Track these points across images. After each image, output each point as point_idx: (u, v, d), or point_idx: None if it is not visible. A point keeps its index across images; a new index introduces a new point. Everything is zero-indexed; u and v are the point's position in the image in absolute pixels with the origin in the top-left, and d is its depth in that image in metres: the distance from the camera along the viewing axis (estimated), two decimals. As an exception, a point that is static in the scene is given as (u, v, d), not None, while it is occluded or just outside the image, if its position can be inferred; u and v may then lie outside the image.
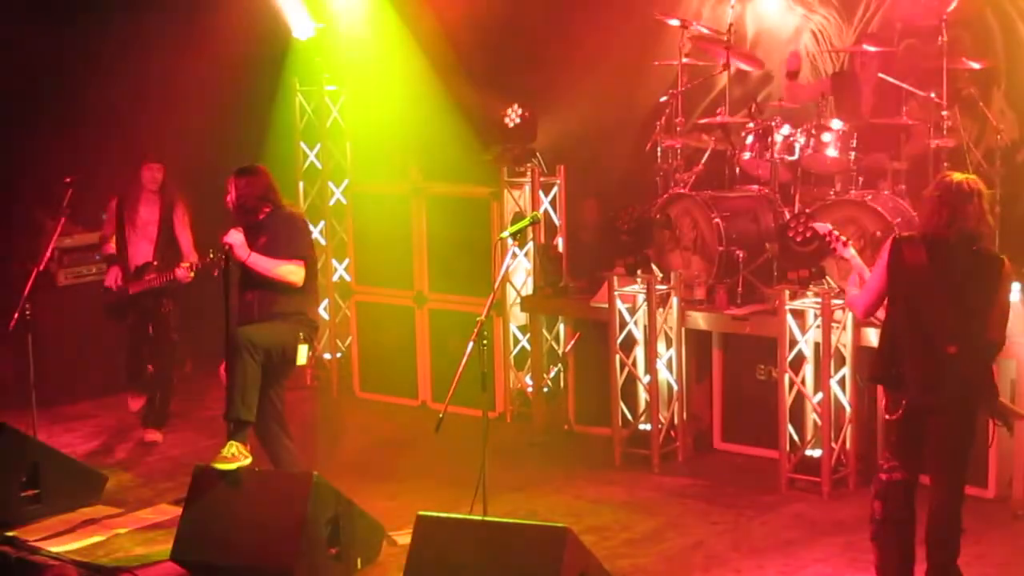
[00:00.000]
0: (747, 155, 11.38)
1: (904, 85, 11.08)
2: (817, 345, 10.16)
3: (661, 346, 10.94)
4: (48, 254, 11.24)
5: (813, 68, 12.49)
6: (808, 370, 10.28)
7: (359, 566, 8.95)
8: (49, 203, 11.92)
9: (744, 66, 12.11)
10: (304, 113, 13.67)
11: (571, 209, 12.31)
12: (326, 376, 13.45)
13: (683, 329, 10.99)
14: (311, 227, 12.84)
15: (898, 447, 8.14)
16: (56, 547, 9.54)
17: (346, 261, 13.38)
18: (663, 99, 11.82)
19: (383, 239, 12.85)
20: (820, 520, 9.62)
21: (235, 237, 9.38)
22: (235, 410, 9.20)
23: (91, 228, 13.24)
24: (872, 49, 11.40)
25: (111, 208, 11.82)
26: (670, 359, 11.00)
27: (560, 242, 12.17)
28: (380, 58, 13.51)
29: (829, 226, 8.61)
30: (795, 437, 10.31)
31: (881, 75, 11.33)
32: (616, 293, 10.98)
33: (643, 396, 11.09)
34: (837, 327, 10.06)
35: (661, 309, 10.88)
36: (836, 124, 11.07)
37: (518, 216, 11.84)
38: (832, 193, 11.05)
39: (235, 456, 8.94)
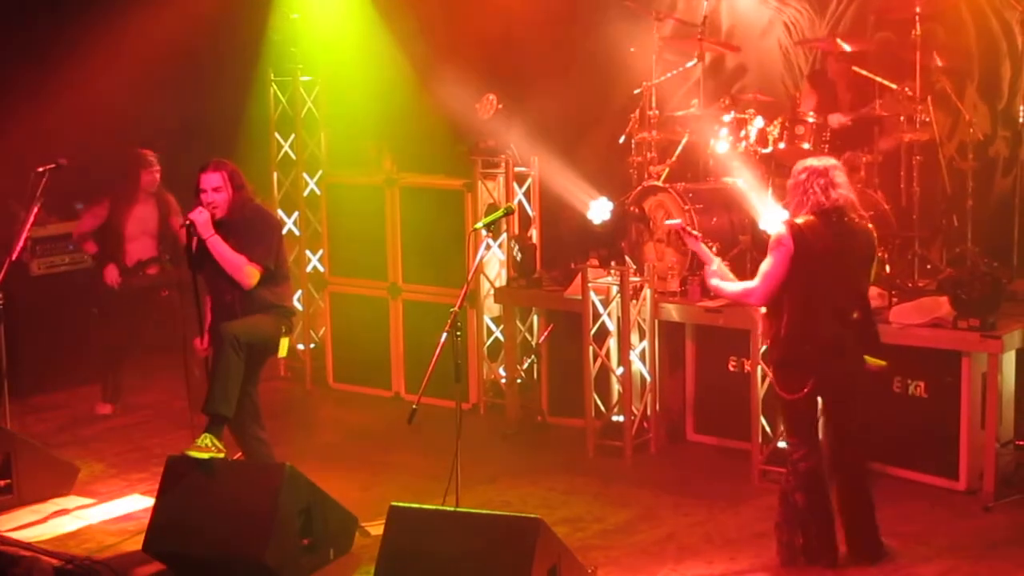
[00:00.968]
0: (721, 147, 11.40)
1: (877, 78, 11.12)
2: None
3: (634, 338, 10.96)
4: (21, 244, 11.18)
5: (786, 61, 12.51)
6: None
7: (332, 557, 8.95)
8: (22, 193, 11.87)
9: (721, 50, 12.18)
10: (278, 103, 13.63)
11: (545, 201, 12.32)
12: (300, 367, 13.44)
13: (656, 321, 11.01)
14: (284, 219, 12.96)
15: (808, 430, 8.60)
16: (28, 537, 9.53)
17: (320, 252, 13.37)
18: (637, 91, 11.83)
19: (357, 230, 12.85)
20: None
21: (201, 215, 9.36)
22: (214, 404, 9.19)
23: (65, 218, 13.23)
24: (846, 47, 11.41)
25: (98, 208, 11.82)
26: (643, 351, 11.02)
27: (534, 233, 12.18)
28: (354, 49, 13.48)
29: (679, 221, 8.94)
30: (767, 429, 10.33)
31: (855, 68, 11.35)
32: (590, 285, 10.99)
33: (616, 388, 11.11)
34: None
35: (634, 301, 10.90)
36: (810, 117, 11.10)
37: (492, 207, 11.85)
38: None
39: (209, 447, 8.93)
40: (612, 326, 11.04)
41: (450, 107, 12.78)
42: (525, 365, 12.07)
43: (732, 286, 8.87)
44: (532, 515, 8.11)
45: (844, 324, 8.43)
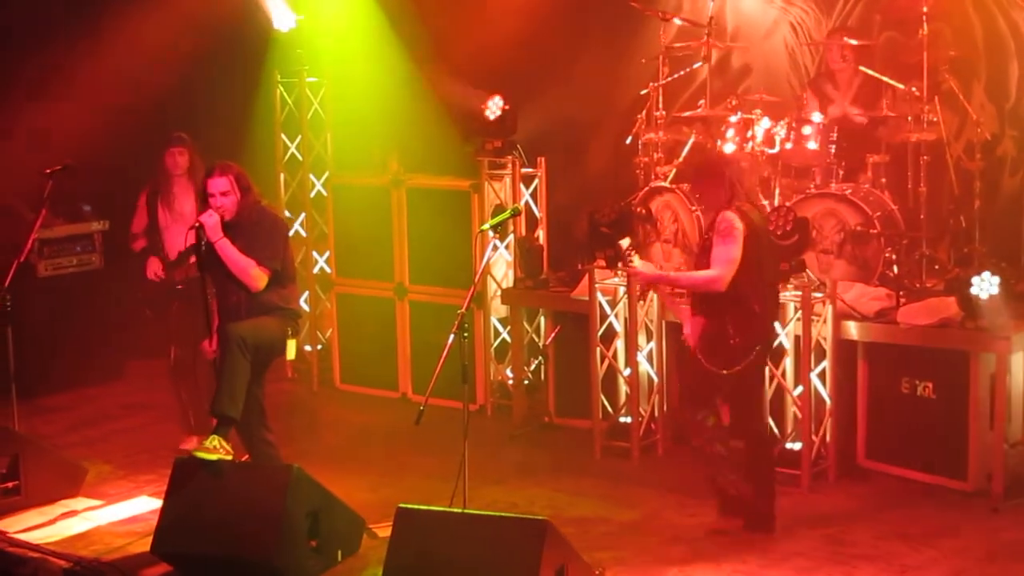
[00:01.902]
0: (728, 148, 11.39)
1: (884, 78, 11.11)
2: (797, 338, 10.17)
3: (641, 339, 10.95)
4: (28, 245, 11.19)
5: (792, 61, 12.50)
6: (788, 363, 10.29)
7: (339, 558, 8.95)
8: (29, 194, 11.88)
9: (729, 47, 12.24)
10: (285, 105, 13.64)
11: (551, 202, 12.32)
12: (307, 368, 13.44)
13: (663, 322, 11.00)
14: (290, 220, 12.96)
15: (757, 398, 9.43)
16: (36, 539, 9.54)
17: (327, 253, 13.37)
18: (644, 92, 11.82)
19: (364, 231, 12.84)
20: (800, 514, 9.61)
21: (211, 218, 9.36)
22: (222, 405, 9.20)
23: (72, 220, 13.24)
24: (852, 42, 11.40)
25: (140, 201, 11.54)
26: (650, 352, 11.01)
27: (541, 234, 12.17)
28: (361, 50, 13.49)
29: (627, 241, 9.30)
30: (775, 430, 10.32)
31: (862, 68, 11.35)
32: (596, 286, 10.98)
33: (623, 389, 11.10)
34: (817, 320, 10.07)
35: (642, 302, 10.89)
36: (816, 117, 11.09)
37: (499, 209, 11.85)
38: (812, 186, 11.08)
39: (216, 448, 8.93)
40: (619, 327, 11.04)
41: (456, 108, 12.81)
42: (532, 366, 12.07)
43: (695, 275, 9.19)
44: (539, 516, 8.12)
45: (774, 301, 9.29)
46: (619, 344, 11.07)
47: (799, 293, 10.08)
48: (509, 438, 11.50)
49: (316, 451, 11.06)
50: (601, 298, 11.01)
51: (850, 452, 10.34)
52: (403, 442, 11.25)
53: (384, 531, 8.66)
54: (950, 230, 11.29)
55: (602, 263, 11.10)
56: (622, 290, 10.93)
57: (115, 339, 12.82)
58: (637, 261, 9.21)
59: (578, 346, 11.37)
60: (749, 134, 11.21)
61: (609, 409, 11.15)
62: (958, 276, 10.19)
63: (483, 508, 8.49)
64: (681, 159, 11.66)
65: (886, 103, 11.08)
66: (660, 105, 11.69)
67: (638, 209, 11.31)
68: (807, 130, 11.06)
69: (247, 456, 9.71)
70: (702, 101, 11.73)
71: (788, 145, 11.10)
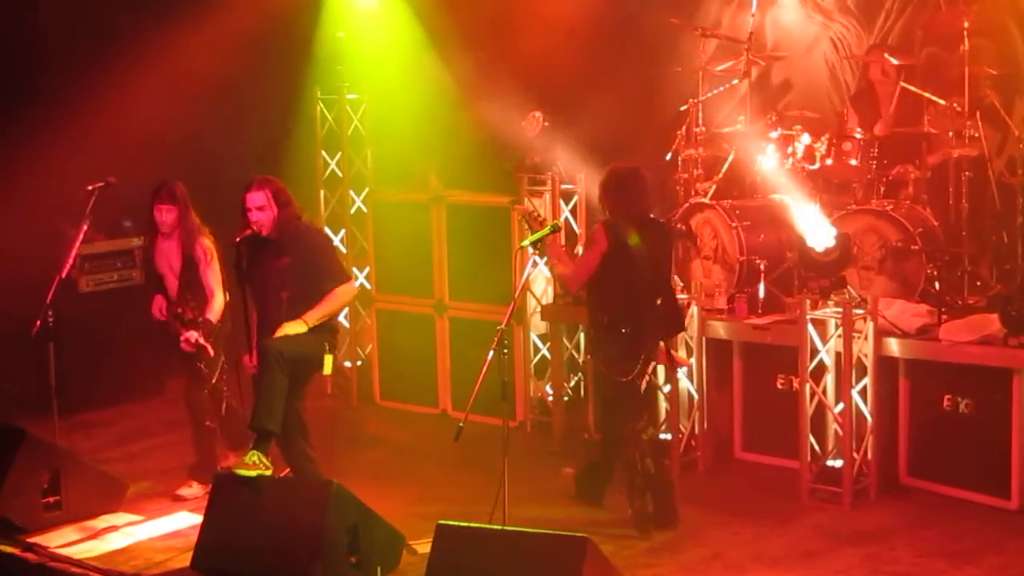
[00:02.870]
0: (768, 164, 11.38)
1: (925, 94, 11.08)
2: (838, 355, 10.13)
3: (681, 355, 10.92)
4: (71, 261, 11.22)
5: (832, 77, 12.48)
6: (829, 380, 10.25)
7: (379, 575, 8.94)
8: (70, 210, 11.93)
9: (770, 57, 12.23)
10: (325, 121, 13.69)
11: (591, 218, 12.31)
12: (346, 384, 13.46)
13: (703, 338, 10.97)
14: (331, 237, 12.97)
15: (643, 404, 9.62)
16: (77, 554, 9.57)
17: (366, 269, 13.39)
18: (683, 108, 11.81)
19: (403, 247, 12.86)
20: (841, 531, 9.58)
21: (297, 327, 9.43)
22: (260, 420, 9.22)
23: (113, 235, 13.31)
24: (893, 60, 11.37)
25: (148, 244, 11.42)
26: (690, 368, 10.98)
27: (580, 250, 12.16)
28: (401, 67, 13.53)
29: (557, 225, 9.63)
30: (816, 447, 10.28)
31: (903, 84, 11.32)
32: (636, 302, 10.96)
33: (663, 405, 11.07)
34: (858, 337, 10.03)
35: (681, 318, 10.87)
36: (857, 133, 11.06)
37: (531, 216, 11.80)
38: (853, 202, 11.05)
39: (256, 464, 8.95)
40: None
41: (496, 124, 12.80)
42: (572, 383, 12.05)
43: (564, 267, 9.77)
44: (579, 533, 8.08)
45: (650, 311, 9.48)
46: (659, 360, 11.05)
47: (840, 310, 10.04)
48: (549, 454, 11.48)
49: (356, 467, 11.05)
50: (641, 314, 10.98)
51: (891, 469, 10.29)
52: (443, 458, 11.25)
53: (424, 547, 8.65)
54: (992, 246, 11.25)
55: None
56: (662, 306, 10.90)
57: (155, 355, 12.84)
58: (542, 258, 9.94)
59: (618, 362, 11.34)
60: (789, 150, 11.20)
61: (649, 426, 11.11)
62: (1000, 292, 10.15)
63: (523, 525, 8.45)
64: (721, 175, 11.65)
65: (927, 119, 11.05)
66: (700, 121, 11.70)
67: (678, 225, 11.30)
68: (848, 146, 11.05)
69: (288, 471, 9.73)
70: (742, 117, 11.73)
71: (829, 161, 11.08)
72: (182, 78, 13.48)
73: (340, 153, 13.65)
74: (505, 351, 8.41)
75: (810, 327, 10.14)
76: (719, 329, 10.95)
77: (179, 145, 12.97)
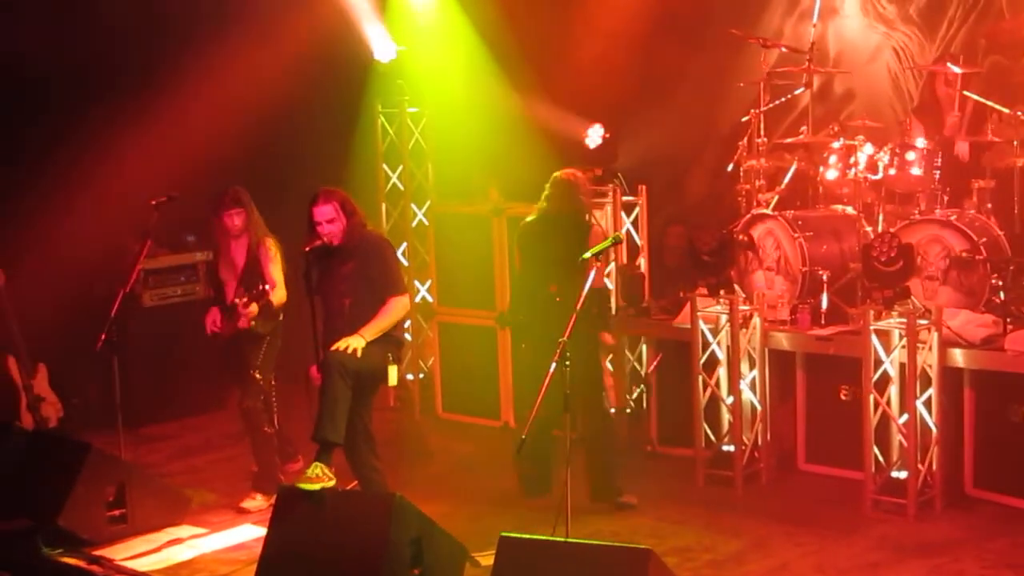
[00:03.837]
0: (830, 174, 11.33)
1: (989, 103, 11.00)
2: (902, 366, 10.07)
3: (744, 367, 10.89)
4: (134, 276, 11.30)
5: (895, 87, 12.41)
6: (893, 391, 10.19)
7: (442, 587, 8.96)
8: (134, 226, 12.01)
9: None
10: (386, 135, 13.73)
11: (653, 230, 12.29)
12: (408, 396, 13.47)
13: (766, 350, 10.94)
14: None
15: None
16: (141, 566, 9.62)
17: (428, 282, 13.43)
18: (745, 119, 11.78)
19: (465, 260, 12.88)
20: (906, 543, 9.52)
21: (356, 341, 9.49)
22: (323, 431, 9.26)
23: (176, 250, 13.40)
24: (956, 69, 11.30)
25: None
26: (753, 380, 10.94)
27: (642, 262, 12.14)
28: (461, 80, 13.55)
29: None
30: (880, 458, 10.22)
31: (966, 93, 11.25)
32: (699, 314, 10.93)
33: (726, 417, 11.03)
34: (922, 347, 9.97)
35: (744, 330, 10.83)
36: (920, 143, 11.00)
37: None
38: (916, 212, 10.98)
39: (319, 477, 8.98)
40: (722, 355, 10.97)
41: (556, 136, 12.81)
42: (634, 395, 12.03)
43: None
44: (642, 545, 8.06)
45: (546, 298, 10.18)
46: (721, 372, 11.00)
47: (904, 320, 9.98)
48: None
49: (418, 479, 11.08)
50: (703, 326, 10.95)
51: (957, 481, 10.22)
52: (505, 470, 11.23)
53: (487, 560, 8.65)
54: (1057, 255, 11.15)
55: (704, 291, 11.10)
56: (724, 318, 10.87)
57: (218, 369, 12.89)
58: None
59: (680, 374, 11.32)
60: (852, 160, 11.15)
61: (712, 437, 11.08)
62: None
63: (586, 537, 8.45)
64: (783, 186, 11.61)
65: (991, 128, 10.97)
66: (762, 132, 11.65)
67: (740, 236, 11.27)
68: (911, 156, 10.98)
69: (354, 483, 9.75)
70: (804, 127, 11.68)
71: (892, 171, 11.02)
72: (245, 93, 13.55)
73: (401, 166, 13.69)
74: (567, 363, 8.40)
75: (874, 338, 10.09)
76: (782, 340, 10.91)
77: (242, 160, 13.04)
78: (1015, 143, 10.85)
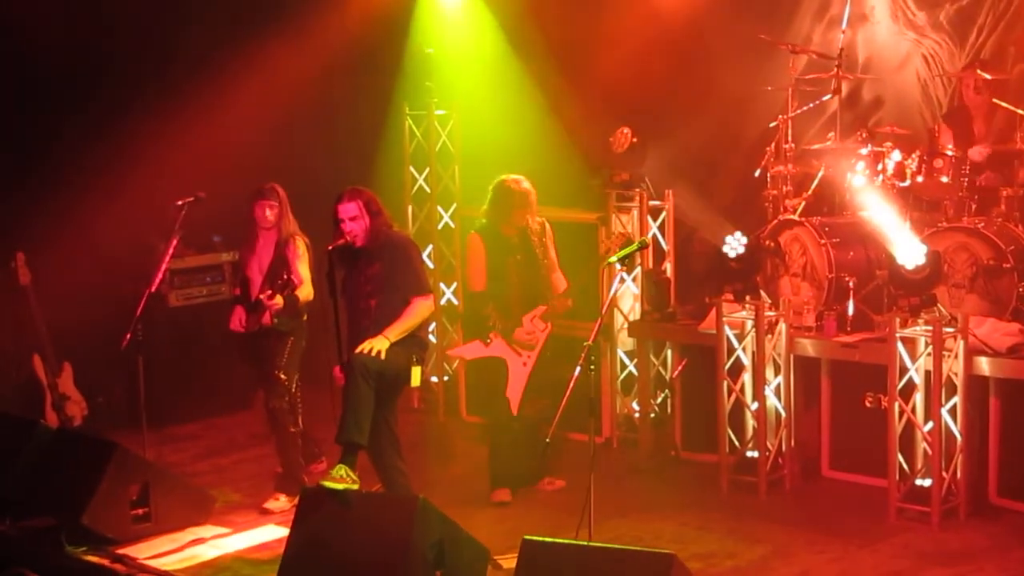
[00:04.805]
0: (858, 181, 11.30)
1: (1018, 111, 10.96)
2: (928, 373, 10.04)
3: (769, 373, 10.87)
4: (160, 276, 11.33)
5: (924, 94, 12.37)
6: (918, 398, 10.16)
7: (464, 590, 8.96)
8: (160, 225, 12.04)
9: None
10: (413, 137, 13.73)
11: (679, 235, 12.28)
12: (433, 399, 13.49)
13: (791, 356, 10.92)
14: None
15: None
16: (165, 565, 9.65)
17: (454, 285, 13.43)
18: (773, 124, 11.76)
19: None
20: (929, 551, 9.50)
21: (380, 343, 9.51)
22: (347, 433, 9.28)
23: (203, 250, 13.42)
24: (986, 76, 11.26)
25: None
26: (778, 386, 10.92)
27: (668, 267, 12.13)
28: (489, 82, 13.56)
29: None
30: (904, 466, 10.19)
31: (995, 100, 11.21)
32: (724, 319, 10.92)
33: (750, 423, 11.01)
34: (948, 355, 9.94)
35: (769, 336, 10.81)
36: (949, 150, 10.96)
37: (626, 241, 11.80)
38: (944, 220, 10.94)
39: (343, 478, 8.99)
40: (747, 361, 10.95)
41: (584, 140, 12.80)
42: (659, 399, 12.01)
43: None
44: (665, 550, 8.06)
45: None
46: (746, 378, 10.99)
47: (930, 328, 9.95)
48: (635, 471, 11.45)
49: (442, 482, 11.08)
50: (728, 331, 10.94)
51: (981, 489, 10.19)
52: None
53: (509, 563, 8.65)
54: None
55: (730, 296, 11.07)
56: (750, 323, 10.85)
57: (243, 369, 12.92)
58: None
59: (705, 379, 11.31)
60: (879, 167, 11.11)
61: (736, 443, 11.06)
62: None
63: (608, 541, 8.44)
64: (810, 192, 11.58)
65: (1020, 136, 10.93)
66: (789, 138, 11.62)
67: (767, 242, 11.25)
68: (939, 163, 10.93)
69: (379, 486, 9.76)
70: (832, 134, 11.65)
71: (920, 178, 10.98)
72: (271, 94, 13.59)
73: (428, 169, 13.68)
74: (592, 368, 8.40)
75: (900, 345, 10.06)
76: (807, 347, 10.89)
77: (269, 160, 13.05)
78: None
